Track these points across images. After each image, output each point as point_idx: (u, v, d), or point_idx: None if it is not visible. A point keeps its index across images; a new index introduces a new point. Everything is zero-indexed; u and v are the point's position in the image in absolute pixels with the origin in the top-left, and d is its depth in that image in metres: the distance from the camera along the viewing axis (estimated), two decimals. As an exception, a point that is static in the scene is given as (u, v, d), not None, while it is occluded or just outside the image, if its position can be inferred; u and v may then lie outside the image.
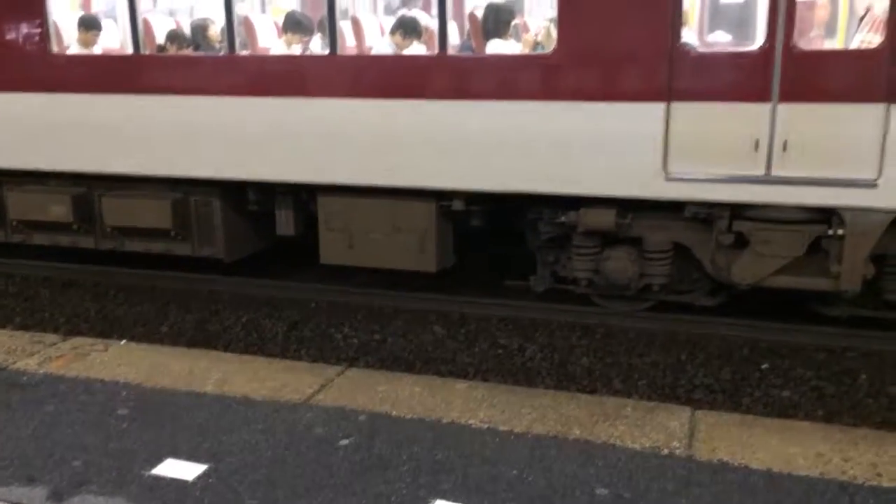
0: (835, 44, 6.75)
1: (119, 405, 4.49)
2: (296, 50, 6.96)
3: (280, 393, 4.49)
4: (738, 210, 5.72)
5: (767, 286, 5.81)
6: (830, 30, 7.14)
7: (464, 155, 6.08)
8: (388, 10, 8.83)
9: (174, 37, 7.22)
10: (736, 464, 3.60)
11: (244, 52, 6.86)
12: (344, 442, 3.96)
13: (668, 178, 5.67)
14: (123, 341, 5.80)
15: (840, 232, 5.47)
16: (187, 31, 7.64)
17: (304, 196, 6.88)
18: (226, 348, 6.36)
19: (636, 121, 5.63)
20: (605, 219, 5.97)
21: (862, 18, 6.02)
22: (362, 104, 6.26)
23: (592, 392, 5.47)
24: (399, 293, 7.04)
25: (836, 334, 5.96)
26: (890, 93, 5.13)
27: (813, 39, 7.04)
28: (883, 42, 5.20)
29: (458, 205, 6.42)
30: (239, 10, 6.83)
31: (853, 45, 6.05)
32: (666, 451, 3.72)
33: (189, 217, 7.08)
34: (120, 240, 7.39)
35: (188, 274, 7.59)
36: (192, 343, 6.44)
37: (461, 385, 4.58)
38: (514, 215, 6.55)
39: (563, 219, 6.16)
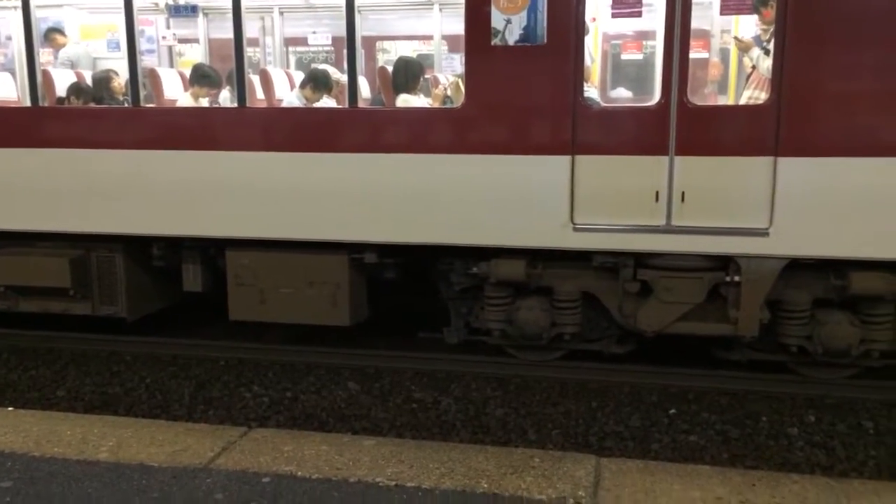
0: (726, 100, 7.14)
1: (3, 477, 4.15)
2: (203, 103, 6.88)
3: (179, 458, 4.26)
4: (642, 259, 5.88)
5: (672, 332, 5.97)
6: (722, 87, 7.59)
7: (375, 207, 6.08)
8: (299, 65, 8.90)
9: (76, 89, 7.02)
10: (640, 511, 3.62)
11: (149, 105, 6.73)
12: (245, 507, 3.78)
13: (576, 229, 5.80)
14: (10, 408, 5.44)
15: (737, 279, 5.69)
16: (89, 83, 7.44)
17: (211, 251, 6.72)
18: (128, 412, 6.07)
19: (543, 173, 5.76)
20: (515, 269, 6.04)
21: (748, 76, 6.42)
22: (272, 157, 6.20)
23: (506, 443, 5.45)
24: (311, 349, 6.90)
25: (739, 378, 6.14)
26: (777, 146, 5.42)
27: (706, 96, 7.47)
28: (769, 98, 5.52)
29: (370, 257, 6.39)
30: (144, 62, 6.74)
31: (742, 101, 6.43)
32: (572, 501, 3.70)
33: (89, 274, 6.79)
34: (14, 300, 7.00)
35: (88, 334, 7.24)
36: (90, 408, 6.11)
37: (369, 442, 4.46)
38: (426, 267, 6.56)
39: (474, 270, 6.20)
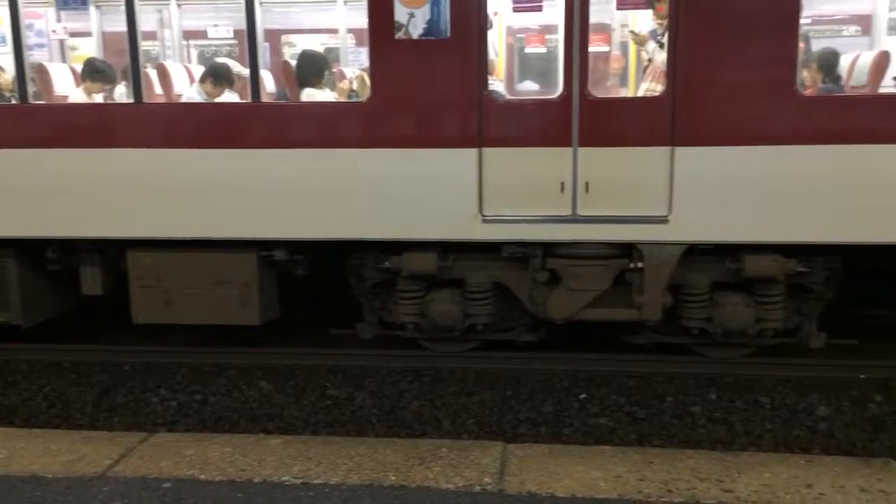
0: (626, 92, 7.34)
1: None
2: (97, 99, 6.60)
3: (75, 467, 4.08)
4: (550, 248, 5.98)
5: (580, 319, 6.10)
6: (623, 79, 7.79)
7: (283, 204, 5.97)
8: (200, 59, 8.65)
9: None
10: (543, 493, 3.68)
11: (39, 102, 6.40)
12: (145, 514, 3.67)
13: (485, 221, 5.84)
14: None
15: (640, 265, 5.85)
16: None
17: (111, 252, 6.46)
18: (25, 423, 5.78)
19: (451, 166, 5.78)
20: (427, 263, 6.04)
21: (645, 69, 6.62)
22: (173, 154, 6.01)
23: (422, 435, 5.46)
24: (221, 349, 6.72)
25: (645, 361, 6.34)
26: (674, 137, 5.60)
27: (608, 88, 7.66)
28: (664, 90, 5.69)
29: (280, 255, 6.28)
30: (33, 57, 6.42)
31: (639, 94, 6.62)
32: (478, 489, 3.74)
33: (-22, 281, 6.43)
34: None
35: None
36: (-17, 421, 5.79)
37: (275, 441, 4.39)
38: (338, 263, 6.49)
39: (386, 264, 6.18)
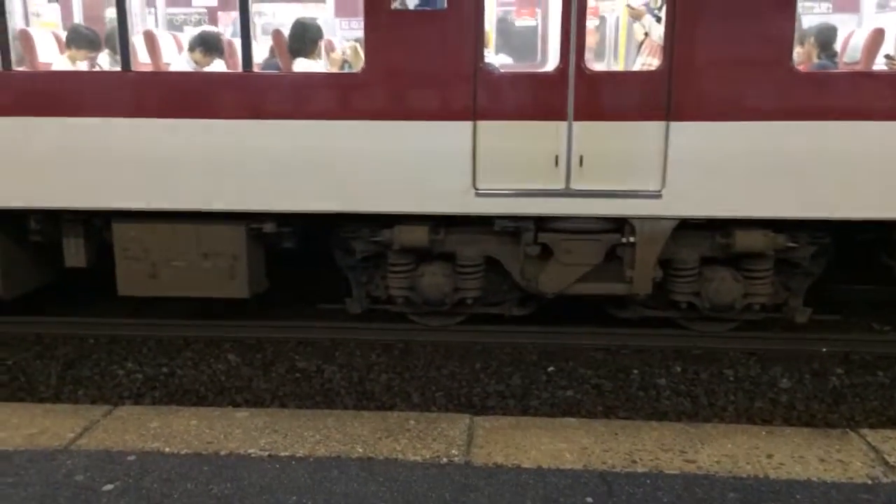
0: (618, 66, 7.17)
1: None
2: (82, 66, 6.49)
3: (37, 440, 4.03)
4: (542, 222, 5.90)
5: (571, 293, 6.01)
6: (616, 54, 7.60)
7: (274, 176, 5.86)
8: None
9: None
10: (510, 465, 3.64)
11: (21, 69, 6.29)
12: (108, 487, 3.60)
13: (478, 194, 5.75)
14: None
15: (632, 240, 5.77)
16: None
17: (96, 223, 6.39)
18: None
19: (445, 139, 5.68)
20: (418, 236, 5.96)
21: (641, 43, 6.46)
22: (161, 124, 5.88)
23: (391, 408, 5.39)
24: (188, 322, 6.63)
25: (613, 334, 6.28)
26: (669, 111, 5.47)
27: (603, 61, 7.49)
28: (661, 64, 5.55)
29: (269, 227, 6.18)
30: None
31: (636, 68, 6.46)
32: (445, 460, 3.69)
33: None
34: None
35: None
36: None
37: (242, 413, 4.33)
38: (327, 236, 6.40)
39: (377, 237, 6.09)
